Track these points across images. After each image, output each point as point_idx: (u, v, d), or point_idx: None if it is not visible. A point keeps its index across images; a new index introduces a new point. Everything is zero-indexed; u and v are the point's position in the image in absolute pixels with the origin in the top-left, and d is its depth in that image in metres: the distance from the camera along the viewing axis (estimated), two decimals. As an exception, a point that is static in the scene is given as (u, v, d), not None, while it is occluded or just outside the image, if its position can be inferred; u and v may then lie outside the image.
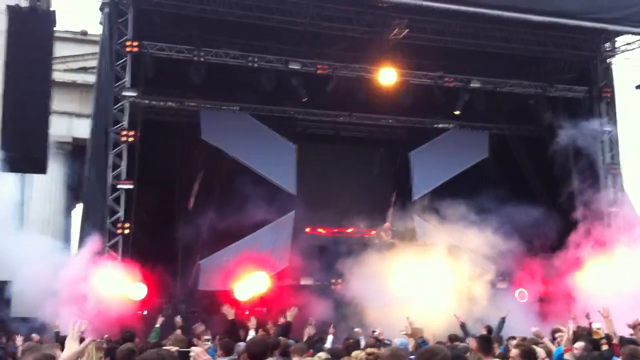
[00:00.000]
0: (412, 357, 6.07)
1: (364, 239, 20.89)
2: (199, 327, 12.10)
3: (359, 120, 23.97)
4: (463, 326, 12.36)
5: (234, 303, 18.29)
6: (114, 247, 17.36)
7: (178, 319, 12.95)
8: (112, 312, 15.38)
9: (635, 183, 36.34)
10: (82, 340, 5.35)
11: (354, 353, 7.54)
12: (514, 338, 10.58)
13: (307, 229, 22.21)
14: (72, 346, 5.11)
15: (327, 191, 22.42)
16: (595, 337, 9.92)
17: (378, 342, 10.42)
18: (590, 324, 11.44)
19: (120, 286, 16.37)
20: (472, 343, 10.26)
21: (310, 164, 22.52)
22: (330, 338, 11.80)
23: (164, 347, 7.89)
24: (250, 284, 19.28)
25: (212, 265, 20.18)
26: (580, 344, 8.65)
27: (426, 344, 6.54)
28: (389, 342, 10.43)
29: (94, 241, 16.13)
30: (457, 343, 9.79)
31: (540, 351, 7.65)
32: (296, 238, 20.90)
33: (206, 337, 10.09)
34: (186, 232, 20.24)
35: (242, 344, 8.70)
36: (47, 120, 16.01)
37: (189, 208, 20.18)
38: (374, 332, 12.30)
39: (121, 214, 17.52)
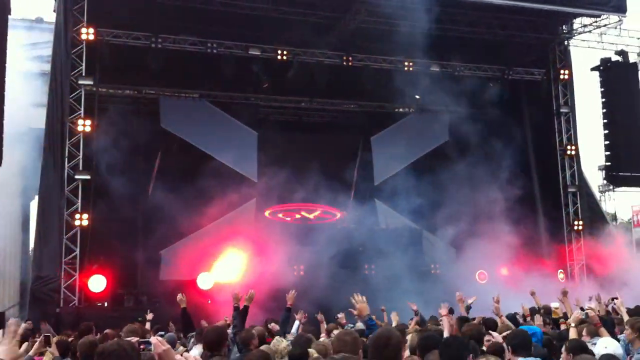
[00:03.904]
0: None
1: (325, 224, 20.87)
2: (149, 315, 11.97)
3: (321, 106, 23.93)
4: (417, 313, 12.37)
5: (198, 292, 18.26)
6: (72, 239, 17.11)
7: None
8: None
9: (592, 162, 36.98)
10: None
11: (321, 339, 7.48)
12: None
13: (267, 212, 22.11)
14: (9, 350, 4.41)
15: (289, 178, 22.34)
16: (554, 316, 10.07)
17: (339, 327, 10.44)
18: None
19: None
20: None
21: (272, 151, 22.43)
22: (296, 324, 11.74)
23: (125, 339, 7.83)
24: (228, 264, 19.18)
25: (174, 255, 20.05)
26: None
27: (373, 321, 6.52)
28: (351, 327, 10.45)
29: None
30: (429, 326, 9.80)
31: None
32: (258, 225, 20.84)
33: (161, 333, 10.00)
34: (146, 222, 20.04)
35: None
36: (2, 111, 15.66)
37: (148, 198, 19.96)
38: (336, 317, 12.30)
39: (79, 204, 17.28)
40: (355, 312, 6.46)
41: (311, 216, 23.17)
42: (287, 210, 22.66)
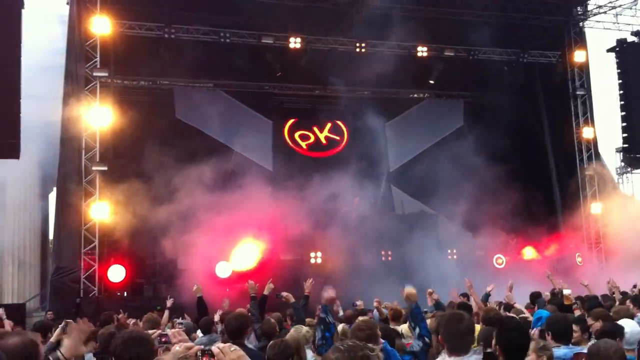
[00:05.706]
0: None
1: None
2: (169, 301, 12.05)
3: (335, 94, 23.86)
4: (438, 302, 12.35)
5: (215, 281, 18.39)
6: (91, 230, 17.26)
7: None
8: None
9: (609, 145, 36.68)
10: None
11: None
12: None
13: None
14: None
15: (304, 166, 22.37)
16: (566, 302, 10.02)
17: (356, 312, 10.47)
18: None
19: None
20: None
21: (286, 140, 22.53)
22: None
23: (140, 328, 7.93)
24: (245, 252, 19.31)
25: (191, 243, 20.13)
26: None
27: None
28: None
29: None
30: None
31: None
32: (274, 213, 20.88)
33: (179, 321, 10.14)
34: (163, 212, 20.15)
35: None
36: (19, 104, 15.78)
37: (165, 188, 20.04)
38: (354, 304, 12.30)
39: (97, 195, 17.41)
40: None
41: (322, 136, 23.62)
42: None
